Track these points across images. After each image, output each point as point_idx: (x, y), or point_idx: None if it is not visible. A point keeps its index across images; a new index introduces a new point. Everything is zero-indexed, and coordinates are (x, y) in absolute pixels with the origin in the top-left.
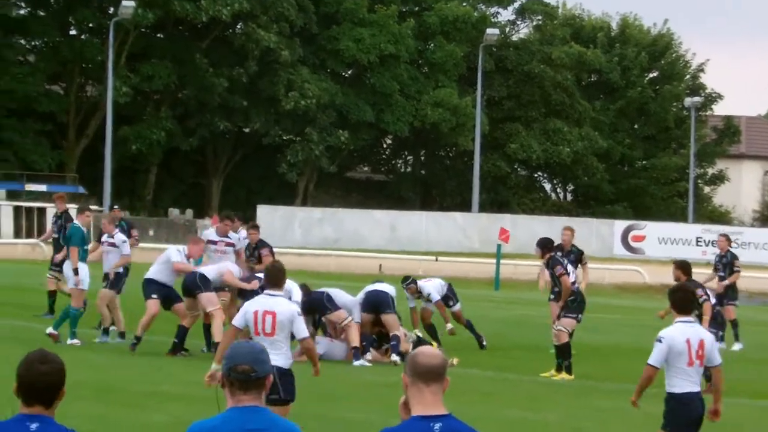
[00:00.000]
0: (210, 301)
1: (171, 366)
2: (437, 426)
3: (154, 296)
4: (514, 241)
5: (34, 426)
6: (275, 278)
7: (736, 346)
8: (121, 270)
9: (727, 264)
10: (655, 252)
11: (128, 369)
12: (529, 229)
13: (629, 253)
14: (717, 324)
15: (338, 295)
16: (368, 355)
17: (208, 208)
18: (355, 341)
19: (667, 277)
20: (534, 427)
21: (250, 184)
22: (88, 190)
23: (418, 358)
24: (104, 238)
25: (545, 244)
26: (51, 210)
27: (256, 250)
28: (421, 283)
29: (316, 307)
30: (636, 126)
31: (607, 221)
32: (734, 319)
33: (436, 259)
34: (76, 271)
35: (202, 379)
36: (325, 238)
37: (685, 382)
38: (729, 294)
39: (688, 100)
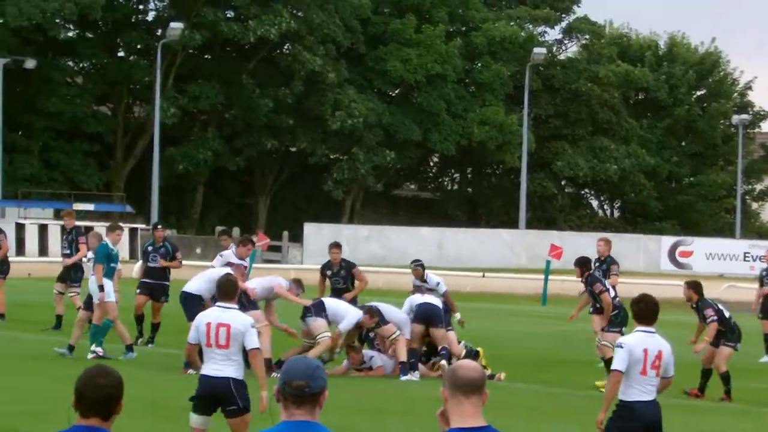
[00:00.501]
0: (255, 318)
1: None
2: None
3: None
4: (562, 256)
5: None
6: (227, 291)
7: None
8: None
9: None
10: (703, 268)
11: (173, 383)
12: (576, 245)
13: (677, 268)
14: (735, 337)
15: (388, 310)
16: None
17: (255, 226)
18: (403, 356)
19: (716, 292)
20: None
21: (297, 203)
22: (135, 209)
23: (458, 371)
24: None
25: (583, 263)
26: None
27: (341, 270)
28: (429, 272)
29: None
30: (683, 143)
31: (655, 237)
32: None
33: (483, 275)
34: (101, 288)
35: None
36: (373, 256)
37: (635, 390)
38: None
39: (735, 118)
